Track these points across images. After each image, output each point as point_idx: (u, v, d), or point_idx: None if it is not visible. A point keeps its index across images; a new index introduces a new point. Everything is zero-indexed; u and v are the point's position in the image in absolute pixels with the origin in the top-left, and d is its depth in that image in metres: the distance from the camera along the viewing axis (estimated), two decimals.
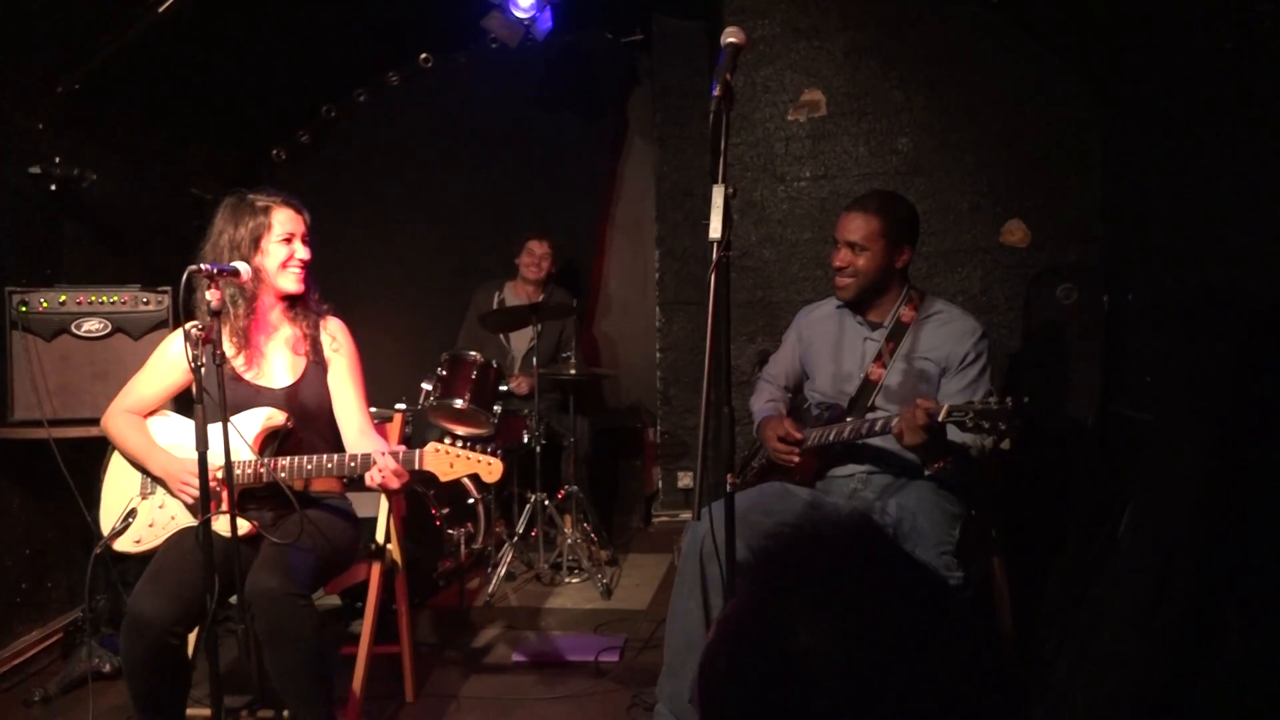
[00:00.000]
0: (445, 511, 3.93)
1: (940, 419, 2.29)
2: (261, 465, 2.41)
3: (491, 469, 2.38)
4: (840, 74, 4.12)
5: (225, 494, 2.24)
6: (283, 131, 5.22)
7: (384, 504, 2.87)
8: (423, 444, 2.41)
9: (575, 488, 4.31)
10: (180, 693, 2.37)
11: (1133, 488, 2.67)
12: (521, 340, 4.64)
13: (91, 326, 3.22)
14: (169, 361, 2.53)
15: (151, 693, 2.29)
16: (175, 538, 2.44)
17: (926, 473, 2.54)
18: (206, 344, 2.15)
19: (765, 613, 0.79)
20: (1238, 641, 2.05)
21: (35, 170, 3.34)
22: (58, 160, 3.40)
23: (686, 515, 4.87)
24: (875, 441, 2.61)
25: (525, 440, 4.18)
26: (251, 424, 2.45)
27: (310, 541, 2.45)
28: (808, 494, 2.70)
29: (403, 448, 2.43)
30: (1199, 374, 2.44)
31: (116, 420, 2.51)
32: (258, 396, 2.51)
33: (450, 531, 3.94)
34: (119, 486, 2.52)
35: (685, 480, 5.11)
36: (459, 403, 3.85)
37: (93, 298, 3.23)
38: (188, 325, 2.17)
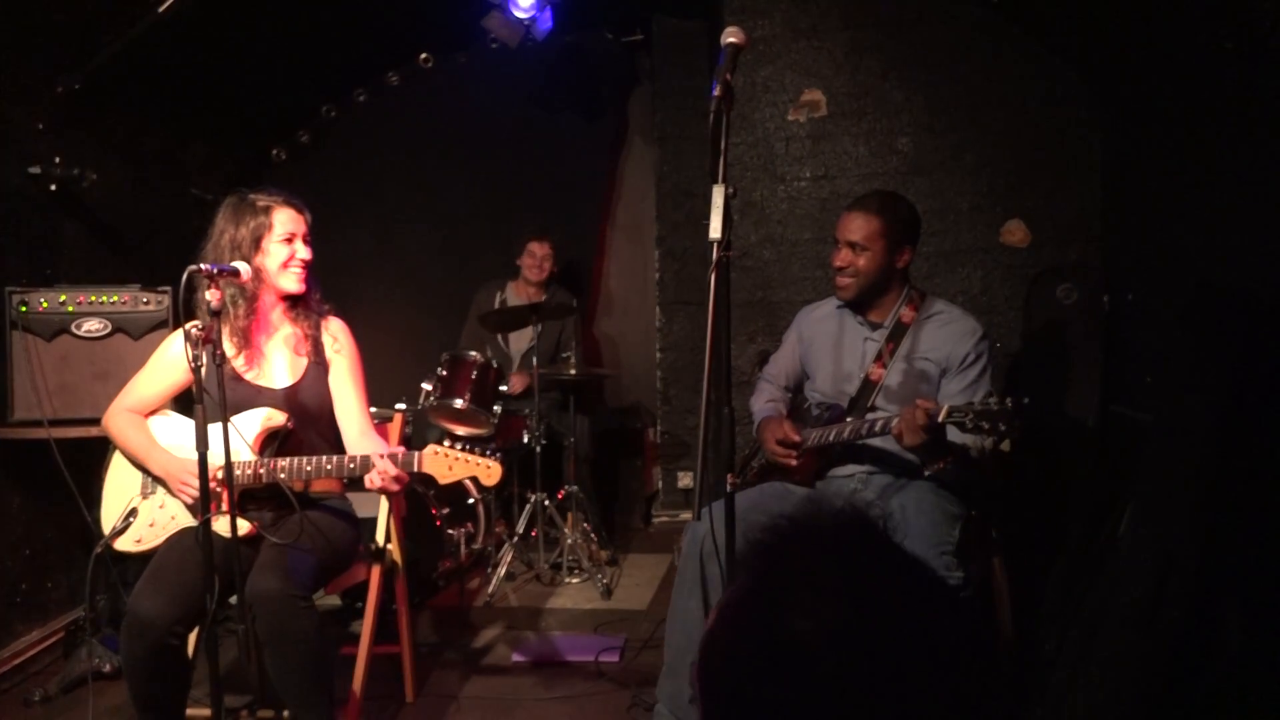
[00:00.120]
0: (445, 511, 3.93)
1: (940, 419, 2.29)
2: (261, 466, 2.41)
3: (490, 472, 2.38)
4: (840, 74, 4.12)
5: (225, 494, 2.24)
6: (283, 131, 5.22)
7: (384, 504, 2.87)
8: (423, 444, 2.41)
9: (575, 488, 4.31)
10: (180, 693, 2.37)
11: (1133, 488, 2.67)
12: (521, 340, 4.65)
13: (91, 326, 3.22)
14: (169, 361, 2.53)
15: (151, 692, 2.29)
16: (175, 538, 2.44)
17: (926, 473, 2.54)
18: (207, 344, 2.15)
19: (763, 599, 0.81)
20: (1238, 641, 2.05)
21: (35, 170, 3.34)
22: (58, 160, 3.40)
23: (686, 515, 4.87)
24: (875, 442, 2.61)
25: (525, 440, 4.18)
26: (251, 424, 2.45)
27: (310, 543, 2.45)
28: (807, 494, 2.70)
29: (402, 449, 2.43)
30: (1199, 374, 2.44)
31: (117, 419, 2.51)
32: (258, 396, 2.51)
33: (450, 531, 3.94)
34: (120, 486, 2.52)
35: (685, 480, 5.11)
36: (459, 403, 3.85)
37: (93, 298, 3.23)
38: (188, 325, 2.17)
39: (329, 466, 2.42)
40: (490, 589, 3.92)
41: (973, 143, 4.01)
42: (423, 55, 5.17)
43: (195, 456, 2.15)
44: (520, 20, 4.11)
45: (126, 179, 3.92)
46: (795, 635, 0.77)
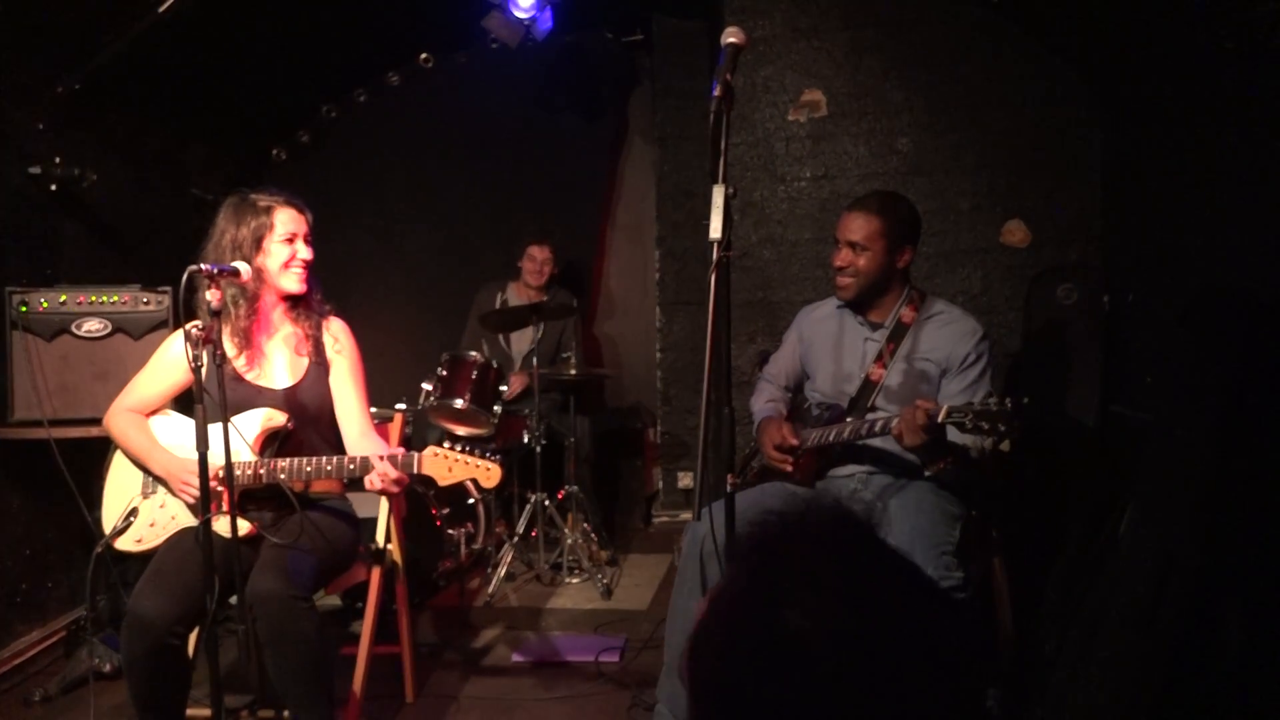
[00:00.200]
0: (445, 512, 3.93)
1: (940, 420, 2.29)
2: (261, 466, 2.41)
3: (490, 474, 2.38)
4: (841, 74, 4.12)
5: (226, 494, 2.24)
6: (283, 131, 5.22)
7: (384, 505, 2.87)
8: (423, 444, 2.42)
9: (575, 488, 4.31)
10: (180, 693, 2.37)
11: (1133, 488, 2.67)
12: (523, 341, 4.64)
13: (92, 326, 3.22)
14: (170, 361, 2.53)
15: (152, 692, 2.29)
16: (176, 537, 2.44)
17: (927, 473, 2.54)
18: (207, 344, 2.15)
19: (760, 596, 0.82)
20: (1238, 641, 2.05)
21: (35, 170, 3.34)
22: (58, 160, 3.40)
23: (687, 515, 4.87)
24: (875, 442, 2.61)
25: (526, 440, 4.18)
26: (251, 424, 2.45)
27: (310, 543, 2.45)
28: (807, 494, 2.70)
29: (401, 450, 2.43)
30: (1199, 374, 2.44)
31: (118, 419, 2.51)
32: (258, 397, 2.51)
33: (450, 531, 3.94)
34: (121, 485, 2.52)
35: (685, 480, 5.11)
36: (459, 403, 3.85)
37: (93, 298, 3.23)
38: (188, 325, 2.17)
39: (329, 468, 2.42)
40: (490, 589, 3.92)
41: (973, 143, 4.01)
42: (423, 55, 5.17)
43: (196, 456, 2.15)
44: (520, 20, 4.11)
45: (127, 179, 3.92)
46: (794, 633, 0.77)
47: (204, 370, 2.12)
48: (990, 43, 3.95)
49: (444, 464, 2.37)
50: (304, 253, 2.54)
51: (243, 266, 2.36)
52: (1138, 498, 2.60)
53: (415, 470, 2.38)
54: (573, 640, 3.51)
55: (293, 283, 2.54)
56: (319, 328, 2.64)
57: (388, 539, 2.88)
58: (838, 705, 0.76)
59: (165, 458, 2.45)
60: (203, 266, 2.22)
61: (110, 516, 2.49)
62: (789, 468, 2.68)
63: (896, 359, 2.68)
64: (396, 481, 2.38)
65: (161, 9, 3.39)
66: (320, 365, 2.61)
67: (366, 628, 2.79)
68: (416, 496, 3.75)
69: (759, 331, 4.24)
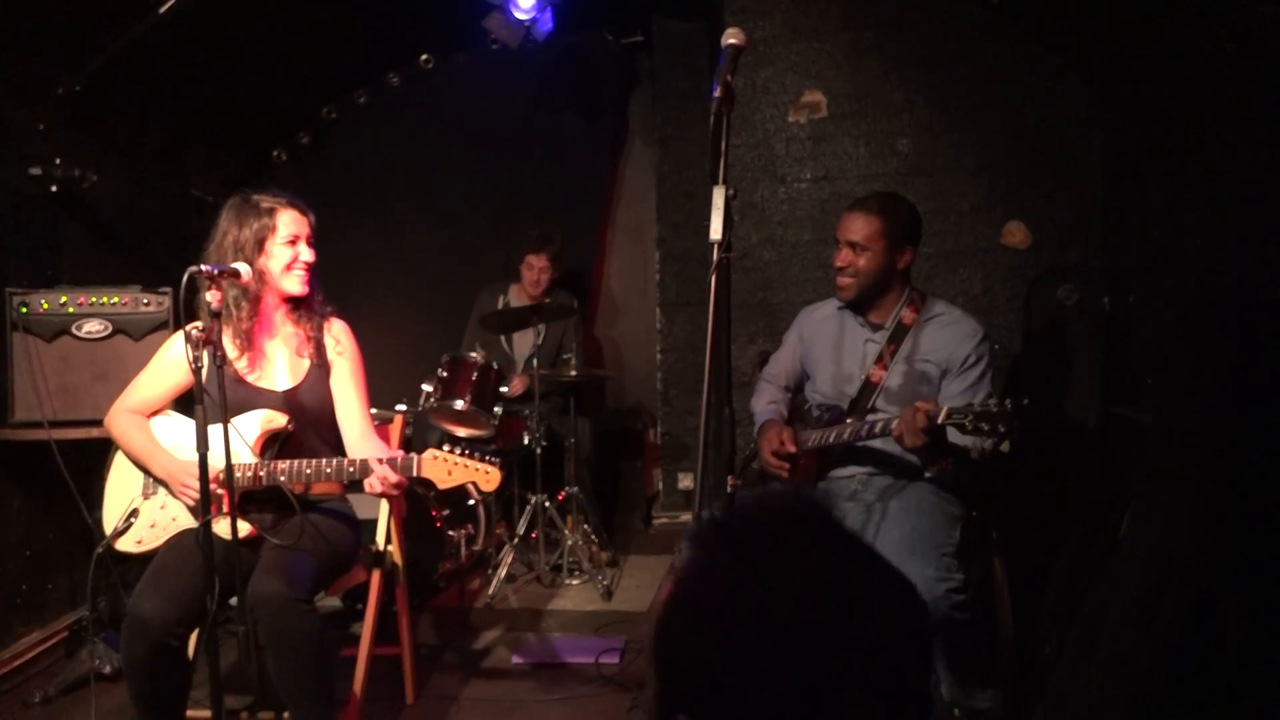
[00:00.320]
0: (446, 513, 3.93)
1: (940, 421, 2.29)
2: (262, 468, 2.41)
3: (489, 478, 2.38)
4: (841, 75, 4.12)
5: (226, 496, 2.24)
6: (283, 132, 5.22)
7: (384, 506, 2.87)
8: (424, 445, 2.42)
9: (576, 489, 4.31)
10: (180, 694, 2.37)
11: (1133, 489, 2.67)
12: (525, 344, 4.64)
13: (92, 328, 3.23)
14: (171, 362, 2.53)
15: (152, 694, 2.29)
16: (176, 539, 2.44)
17: (927, 474, 2.55)
18: (207, 345, 2.14)
19: (726, 574, 0.86)
20: (1238, 642, 2.05)
21: (36, 171, 3.34)
22: (58, 161, 3.41)
23: (687, 517, 4.86)
24: (876, 443, 2.61)
25: (526, 442, 4.18)
26: (252, 426, 2.45)
27: (311, 545, 2.45)
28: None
29: (401, 453, 2.43)
30: (1199, 375, 2.45)
31: (120, 420, 2.51)
32: (259, 398, 2.51)
33: (451, 533, 3.94)
34: (121, 486, 2.52)
35: (686, 481, 5.10)
36: (459, 404, 3.85)
37: (93, 299, 3.23)
38: (188, 326, 2.17)
39: (328, 470, 2.42)
40: (490, 590, 3.91)
41: (973, 143, 4.00)
42: (423, 56, 5.17)
43: (196, 458, 2.15)
44: (521, 21, 4.11)
45: (127, 180, 3.93)
46: (752, 608, 0.81)
47: (204, 371, 2.12)
48: (990, 43, 3.95)
49: (443, 467, 2.37)
50: (306, 255, 2.54)
51: (244, 268, 2.37)
52: (1138, 498, 2.60)
53: (415, 473, 2.38)
54: (573, 642, 3.51)
55: (295, 285, 2.54)
56: (320, 329, 2.64)
57: (388, 540, 2.88)
58: (795, 678, 0.79)
59: (166, 459, 2.45)
60: (203, 268, 2.22)
61: (111, 517, 2.49)
62: (785, 474, 2.68)
63: (897, 360, 2.68)
64: (396, 485, 2.38)
65: (162, 10, 3.39)
66: (321, 367, 2.61)
67: (367, 629, 2.79)
68: (417, 498, 3.75)
69: (759, 333, 4.23)
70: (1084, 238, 3.90)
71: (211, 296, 2.20)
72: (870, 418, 2.62)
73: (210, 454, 2.12)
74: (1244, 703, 2.01)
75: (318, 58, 4.79)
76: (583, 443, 4.48)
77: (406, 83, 5.28)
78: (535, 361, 4.13)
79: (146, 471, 2.50)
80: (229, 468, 2.21)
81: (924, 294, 2.76)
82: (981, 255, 4.02)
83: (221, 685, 2.18)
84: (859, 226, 2.64)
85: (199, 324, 2.19)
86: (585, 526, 4.34)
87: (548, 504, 4.16)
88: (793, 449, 2.67)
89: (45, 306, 3.19)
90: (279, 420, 2.48)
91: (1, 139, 3.24)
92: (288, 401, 2.54)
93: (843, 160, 4.15)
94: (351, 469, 2.41)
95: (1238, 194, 2.73)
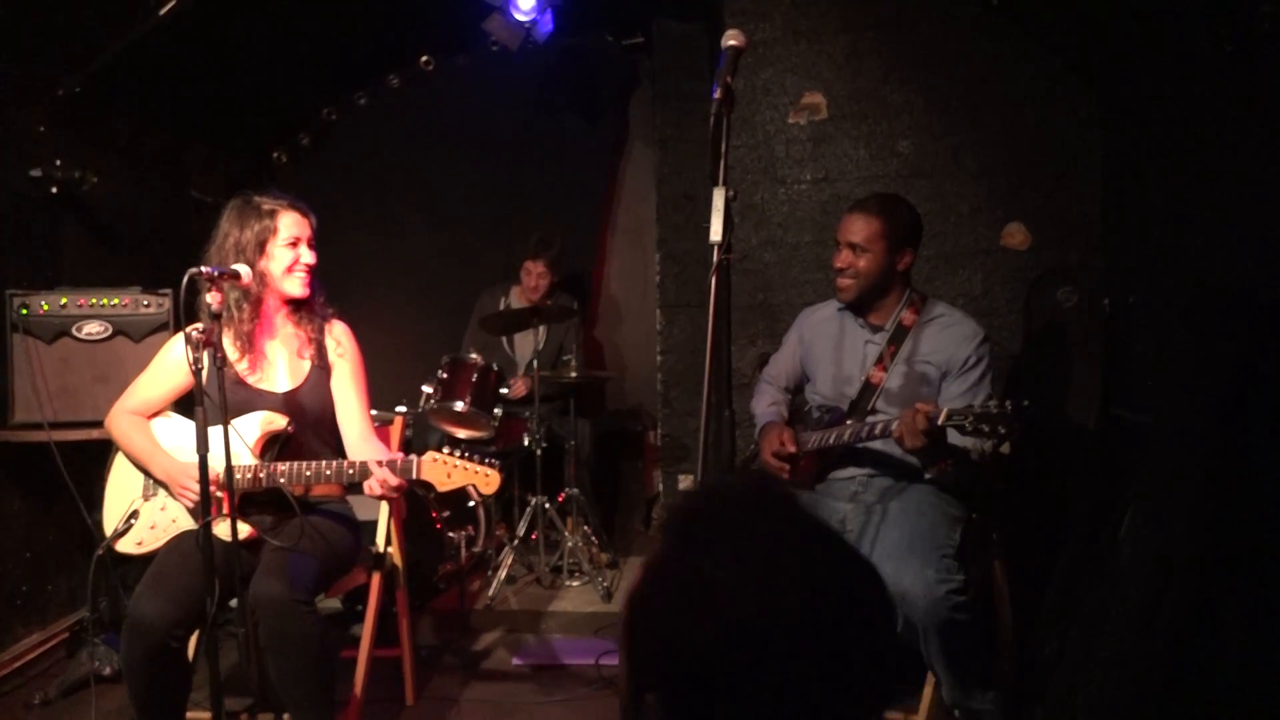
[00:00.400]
0: (446, 514, 3.93)
1: (940, 422, 2.29)
2: (262, 470, 2.41)
3: (489, 480, 2.38)
4: (841, 76, 4.12)
5: (226, 498, 2.24)
6: (283, 134, 5.22)
7: (384, 508, 2.87)
8: (424, 447, 2.42)
9: (576, 490, 4.31)
10: (180, 695, 2.37)
11: (1133, 490, 2.67)
12: (526, 346, 4.64)
13: (92, 329, 3.23)
14: (171, 364, 2.53)
15: (152, 695, 2.29)
16: (176, 540, 2.44)
17: (927, 476, 2.54)
18: (207, 346, 2.15)
19: (679, 553, 0.91)
20: (1238, 642, 2.05)
21: (36, 173, 3.34)
22: (58, 163, 3.41)
23: None
24: (876, 445, 2.61)
25: (526, 443, 4.18)
26: (252, 428, 2.45)
27: (311, 547, 2.45)
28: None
29: (401, 455, 2.43)
30: (1200, 376, 2.44)
31: (120, 421, 2.51)
32: (259, 400, 2.51)
33: (451, 534, 3.94)
34: (122, 487, 2.52)
35: (686, 483, 5.09)
36: (459, 405, 3.85)
37: (93, 300, 3.23)
38: (189, 328, 2.17)
39: (328, 472, 2.42)
40: (491, 592, 3.91)
41: (973, 145, 4.00)
42: (423, 58, 5.17)
43: (196, 459, 2.15)
44: (521, 23, 4.11)
45: (127, 181, 3.93)
46: (708, 583, 0.86)
47: (204, 373, 2.12)
48: (990, 43, 3.95)
49: (443, 469, 2.37)
50: (307, 257, 2.54)
51: (244, 269, 2.37)
52: (1138, 500, 2.60)
53: (414, 476, 2.38)
54: (573, 643, 3.51)
55: (296, 287, 2.54)
56: (321, 331, 2.64)
57: (388, 542, 2.88)
58: (759, 656, 0.83)
59: (166, 460, 2.45)
60: (204, 269, 2.22)
61: (111, 519, 2.49)
62: (785, 476, 2.68)
63: (897, 362, 2.68)
64: (395, 488, 2.38)
65: (162, 11, 3.39)
66: (322, 369, 2.61)
67: (367, 631, 2.79)
68: (417, 499, 3.74)
69: (759, 334, 4.23)
70: (1084, 239, 3.89)
71: (212, 298, 2.20)
72: (870, 419, 2.62)
73: (210, 455, 2.12)
74: (1244, 703, 2.01)
75: (318, 59, 4.79)
76: (583, 444, 4.48)
77: (407, 84, 5.28)
78: (536, 363, 4.13)
79: (147, 473, 2.50)
80: (229, 469, 2.21)
81: (924, 295, 2.77)
82: (981, 256, 4.02)
83: (221, 687, 2.18)
84: (859, 228, 2.64)
85: (199, 325, 2.19)
86: (585, 528, 4.34)
87: (548, 505, 4.16)
88: (793, 450, 2.67)
89: (45, 308, 3.19)
90: (279, 422, 2.48)
91: (1, 140, 3.25)
92: (288, 403, 2.54)
93: (843, 162, 4.15)
94: (351, 471, 2.41)
95: (1238, 194, 2.73)
